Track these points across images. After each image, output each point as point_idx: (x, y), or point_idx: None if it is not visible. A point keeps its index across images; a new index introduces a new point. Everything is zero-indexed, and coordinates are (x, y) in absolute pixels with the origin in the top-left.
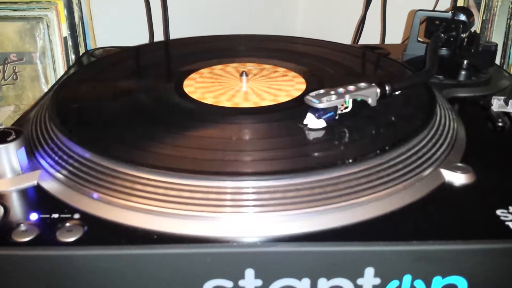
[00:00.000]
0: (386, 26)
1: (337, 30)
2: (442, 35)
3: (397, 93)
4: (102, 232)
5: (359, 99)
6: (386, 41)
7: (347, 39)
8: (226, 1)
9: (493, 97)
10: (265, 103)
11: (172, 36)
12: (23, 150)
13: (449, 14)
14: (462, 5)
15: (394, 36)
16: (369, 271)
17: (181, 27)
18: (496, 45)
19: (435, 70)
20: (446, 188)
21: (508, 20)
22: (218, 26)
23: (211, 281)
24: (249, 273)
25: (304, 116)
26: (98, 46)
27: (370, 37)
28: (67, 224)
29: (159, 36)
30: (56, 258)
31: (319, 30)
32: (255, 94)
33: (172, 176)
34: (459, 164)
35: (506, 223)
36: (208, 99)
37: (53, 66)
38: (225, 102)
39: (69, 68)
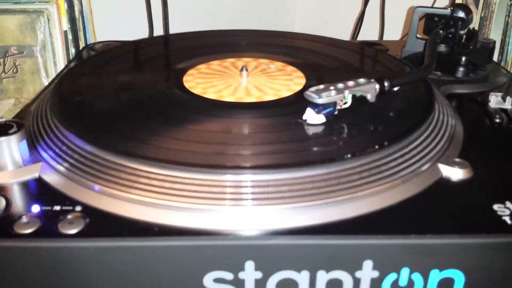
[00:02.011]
0: (385, 22)
1: (335, 26)
2: (441, 31)
3: (395, 89)
4: (103, 224)
5: (358, 94)
6: (385, 38)
7: (345, 35)
8: None
9: (491, 93)
10: (266, 98)
11: (172, 30)
12: (24, 142)
13: (448, 11)
14: (460, 2)
15: (393, 33)
16: (368, 264)
17: (180, 22)
18: (494, 42)
19: (433, 66)
20: (444, 183)
21: (506, 17)
22: (217, 21)
23: (211, 273)
24: (249, 265)
25: (303, 111)
26: (98, 40)
27: (368, 33)
28: (69, 217)
29: (158, 31)
30: (58, 250)
31: (317, 25)
32: (256, 89)
33: (173, 169)
34: (457, 160)
35: (503, 217)
36: (209, 94)
37: (54, 59)
38: (226, 96)
39: (69, 62)
